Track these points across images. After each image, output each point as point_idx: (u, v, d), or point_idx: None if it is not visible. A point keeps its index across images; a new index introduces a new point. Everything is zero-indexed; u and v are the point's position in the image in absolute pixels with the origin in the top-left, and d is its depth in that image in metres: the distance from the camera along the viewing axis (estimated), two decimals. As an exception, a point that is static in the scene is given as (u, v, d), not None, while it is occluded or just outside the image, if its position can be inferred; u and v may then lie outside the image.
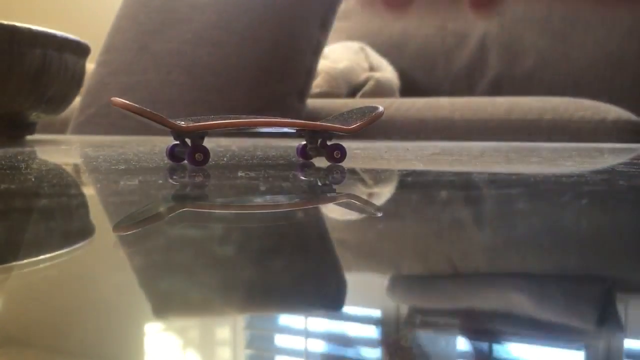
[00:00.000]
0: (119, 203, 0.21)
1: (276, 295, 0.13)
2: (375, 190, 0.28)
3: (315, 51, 1.19)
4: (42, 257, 0.15)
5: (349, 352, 0.11)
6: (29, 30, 0.63)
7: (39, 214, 0.19)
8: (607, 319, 0.11)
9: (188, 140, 0.32)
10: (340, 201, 0.24)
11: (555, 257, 0.15)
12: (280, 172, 0.31)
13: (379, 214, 0.21)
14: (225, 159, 0.39)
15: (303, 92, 1.11)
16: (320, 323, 0.12)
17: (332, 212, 0.22)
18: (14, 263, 0.15)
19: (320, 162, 0.36)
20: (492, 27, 1.42)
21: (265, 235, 0.18)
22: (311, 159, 0.36)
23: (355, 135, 0.35)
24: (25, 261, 0.15)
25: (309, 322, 0.12)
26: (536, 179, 0.32)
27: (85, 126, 1.28)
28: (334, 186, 0.29)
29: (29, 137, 0.74)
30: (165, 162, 0.35)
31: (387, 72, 1.42)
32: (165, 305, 0.12)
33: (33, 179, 0.27)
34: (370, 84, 1.42)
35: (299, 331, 0.11)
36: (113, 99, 0.30)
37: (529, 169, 0.37)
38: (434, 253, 0.16)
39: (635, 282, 0.13)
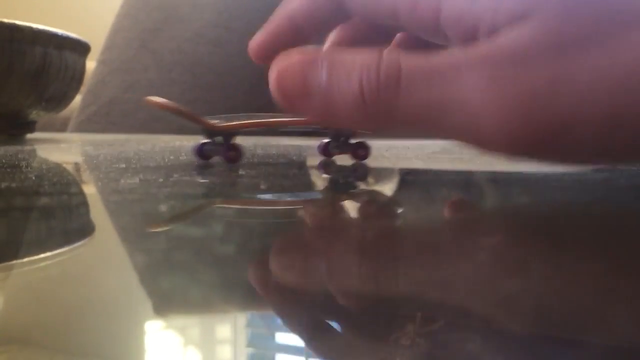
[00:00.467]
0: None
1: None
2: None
3: (316, 50, 1.19)
4: (43, 255, 0.15)
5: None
6: (30, 29, 0.63)
7: (40, 212, 0.19)
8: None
9: (218, 138, 0.32)
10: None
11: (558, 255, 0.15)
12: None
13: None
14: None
15: (304, 90, 1.10)
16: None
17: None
18: (15, 261, 0.15)
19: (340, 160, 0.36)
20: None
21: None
22: (333, 156, 0.37)
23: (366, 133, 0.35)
24: (26, 259, 0.15)
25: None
26: (537, 178, 0.32)
27: (86, 124, 1.28)
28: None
29: (29, 136, 0.74)
30: (168, 159, 0.35)
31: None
32: (166, 304, 0.12)
33: (34, 178, 0.27)
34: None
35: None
36: (147, 98, 0.30)
37: (529, 167, 0.37)
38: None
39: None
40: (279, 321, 0.12)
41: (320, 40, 0.27)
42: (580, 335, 0.10)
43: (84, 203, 0.23)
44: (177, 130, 1.14)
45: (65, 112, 0.88)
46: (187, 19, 1.22)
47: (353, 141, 0.35)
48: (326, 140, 0.37)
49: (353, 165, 0.35)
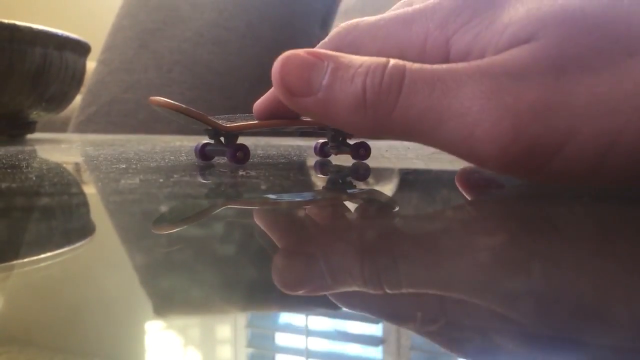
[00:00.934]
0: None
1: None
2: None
3: (316, 50, 1.19)
4: (43, 255, 0.15)
5: (350, 350, 0.11)
6: (30, 29, 0.63)
7: (40, 212, 0.19)
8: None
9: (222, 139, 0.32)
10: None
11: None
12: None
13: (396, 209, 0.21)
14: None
15: (304, 90, 1.11)
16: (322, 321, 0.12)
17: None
18: (16, 262, 0.15)
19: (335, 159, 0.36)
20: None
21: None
22: (329, 156, 0.37)
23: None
24: (26, 260, 0.15)
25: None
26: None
27: (86, 125, 1.28)
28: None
29: (29, 136, 0.74)
30: (168, 159, 0.35)
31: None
32: (167, 304, 0.12)
33: (34, 178, 0.27)
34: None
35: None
36: (152, 98, 0.29)
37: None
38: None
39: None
40: (279, 321, 0.12)
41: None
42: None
43: (84, 203, 0.23)
44: (178, 130, 1.14)
45: (65, 113, 0.88)
46: (187, 19, 1.22)
47: (352, 141, 0.35)
48: (322, 140, 0.36)
49: (354, 165, 0.35)
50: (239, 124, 0.31)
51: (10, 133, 0.69)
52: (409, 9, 0.23)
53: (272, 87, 0.25)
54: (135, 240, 0.17)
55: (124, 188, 0.24)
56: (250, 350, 0.11)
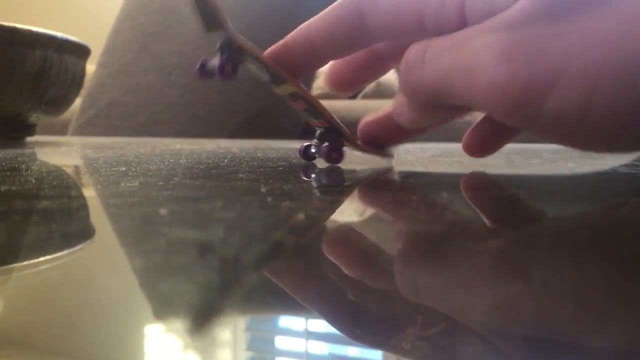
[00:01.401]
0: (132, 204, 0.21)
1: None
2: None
3: (316, 52, 1.19)
4: (42, 258, 0.15)
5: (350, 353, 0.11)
6: (30, 32, 0.63)
7: (40, 215, 0.19)
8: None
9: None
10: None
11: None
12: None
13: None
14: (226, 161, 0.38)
15: (304, 93, 1.11)
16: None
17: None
18: (15, 265, 0.15)
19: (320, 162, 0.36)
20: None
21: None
22: (314, 159, 0.36)
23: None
24: (25, 263, 0.15)
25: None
26: (540, 181, 0.32)
27: (86, 128, 1.28)
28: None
29: (29, 139, 0.74)
30: (168, 162, 0.35)
31: (388, 74, 1.41)
32: (166, 307, 0.12)
33: (34, 181, 0.27)
34: (371, 85, 1.42)
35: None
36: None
37: (530, 170, 0.37)
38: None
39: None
40: (279, 324, 0.12)
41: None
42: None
43: (83, 206, 0.23)
44: (177, 133, 1.14)
45: (65, 115, 0.88)
46: (186, 22, 1.22)
47: (327, 146, 0.34)
48: (306, 143, 0.36)
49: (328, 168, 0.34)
50: (253, 47, 0.31)
51: (10, 135, 0.69)
52: None
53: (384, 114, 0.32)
54: (135, 243, 0.17)
55: (123, 191, 0.24)
56: (250, 353, 0.11)
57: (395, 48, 0.31)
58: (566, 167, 0.39)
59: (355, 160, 0.39)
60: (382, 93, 1.40)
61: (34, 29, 0.64)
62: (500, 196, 0.26)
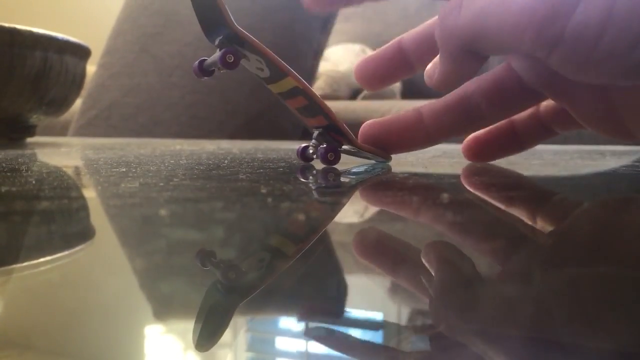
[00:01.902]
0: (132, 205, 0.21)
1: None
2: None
3: (316, 53, 1.19)
4: (43, 259, 0.15)
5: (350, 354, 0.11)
6: (30, 33, 0.63)
7: (40, 216, 0.19)
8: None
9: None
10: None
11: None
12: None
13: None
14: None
15: (304, 94, 1.11)
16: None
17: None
18: (15, 266, 0.15)
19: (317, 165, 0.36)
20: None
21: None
22: (311, 160, 0.36)
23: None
24: (26, 264, 0.15)
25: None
26: (541, 181, 0.32)
27: (86, 129, 1.28)
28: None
29: (29, 140, 0.74)
30: (168, 163, 0.35)
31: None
32: (166, 308, 0.12)
33: (34, 181, 0.27)
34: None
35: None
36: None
37: (530, 171, 0.37)
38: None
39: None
40: (279, 325, 0.12)
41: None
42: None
43: (84, 207, 0.23)
44: (178, 134, 1.14)
45: (65, 116, 0.88)
46: (187, 23, 1.22)
47: (324, 147, 0.34)
48: (304, 144, 0.36)
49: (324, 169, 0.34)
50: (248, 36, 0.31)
51: (10, 136, 0.69)
52: None
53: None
54: (135, 244, 0.17)
55: (124, 192, 0.24)
56: (250, 354, 0.11)
57: (423, 49, 0.33)
58: (567, 168, 0.39)
59: (356, 161, 0.39)
60: (382, 94, 1.40)
61: (35, 30, 0.64)
62: (501, 196, 0.26)
